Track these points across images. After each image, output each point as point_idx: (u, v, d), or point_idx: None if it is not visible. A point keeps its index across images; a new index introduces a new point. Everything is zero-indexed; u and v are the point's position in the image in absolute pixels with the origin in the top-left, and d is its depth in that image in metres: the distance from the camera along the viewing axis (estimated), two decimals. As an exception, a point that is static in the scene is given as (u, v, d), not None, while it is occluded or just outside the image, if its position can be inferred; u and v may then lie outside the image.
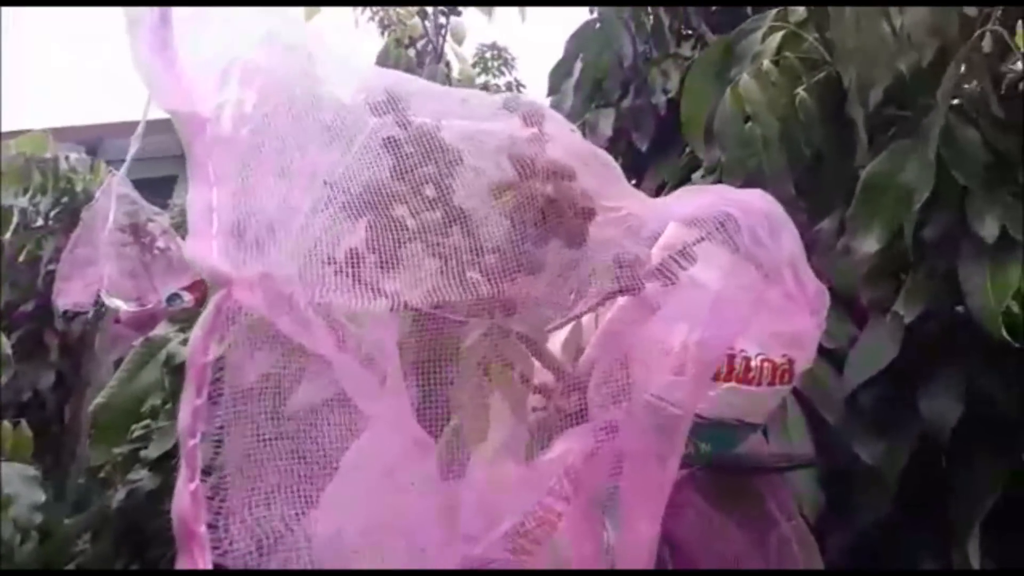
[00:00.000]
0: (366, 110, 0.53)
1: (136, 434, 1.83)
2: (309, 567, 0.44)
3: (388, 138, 0.53)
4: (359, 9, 2.54)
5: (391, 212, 0.50)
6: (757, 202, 0.58)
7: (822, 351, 0.97)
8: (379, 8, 2.59)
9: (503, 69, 3.18)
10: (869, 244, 0.89)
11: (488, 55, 3.18)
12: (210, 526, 0.39)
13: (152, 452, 1.77)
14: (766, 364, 0.65)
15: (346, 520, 0.48)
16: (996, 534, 0.87)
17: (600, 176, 0.54)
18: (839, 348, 0.97)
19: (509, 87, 3.22)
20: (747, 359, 0.65)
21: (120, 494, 1.78)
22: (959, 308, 0.90)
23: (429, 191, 0.52)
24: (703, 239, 0.54)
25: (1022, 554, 0.87)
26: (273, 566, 0.42)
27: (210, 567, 0.38)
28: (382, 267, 0.50)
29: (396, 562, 0.48)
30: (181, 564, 0.38)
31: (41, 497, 1.82)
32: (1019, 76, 1.03)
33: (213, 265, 0.40)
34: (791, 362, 0.66)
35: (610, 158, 0.57)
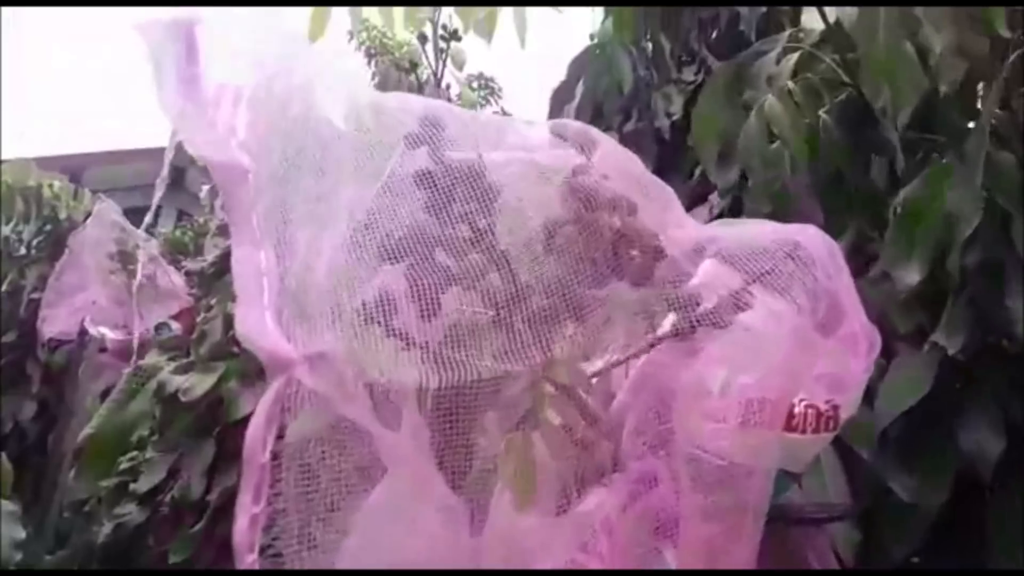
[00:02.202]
0: (396, 141, 0.49)
1: (124, 466, 1.77)
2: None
3: (422, 172, 0.49)
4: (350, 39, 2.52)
5: (430, 256, 0.46)
6: (817, 234, 0.55)
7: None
8: (365, 38, 2.57)
9: (489, 99, 3.14)
10: (911, 275, 0.86)
11: (475, 84, 3.14)
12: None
13: (141, 485, 1.72)
14: (810, 410, 0.61)
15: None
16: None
17: (659, 204, 0.51)
18: (869, 381, 0.93)
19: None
20: (790, 404, 0.61)
21: (106, 528, 1.72)
22: (995, 337, 0.87)
23: (467, 231, 0.48)
24: (769, 271, 0.50)
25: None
26: None
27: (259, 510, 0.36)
28: (421, 317, 0.46)
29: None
30: (241, 500, 0.36)
31: (21, 534, 1.76)
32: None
33: (271, 349, 0.37)
34: (835, 408, 0.62)
35: (664, 184, 0.53)
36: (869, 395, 0.93)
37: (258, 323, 0.37)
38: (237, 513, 0.35)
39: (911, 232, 0.87)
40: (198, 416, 1.64)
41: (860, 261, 1.01)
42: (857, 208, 1.03)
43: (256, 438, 0.35)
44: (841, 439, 0.90)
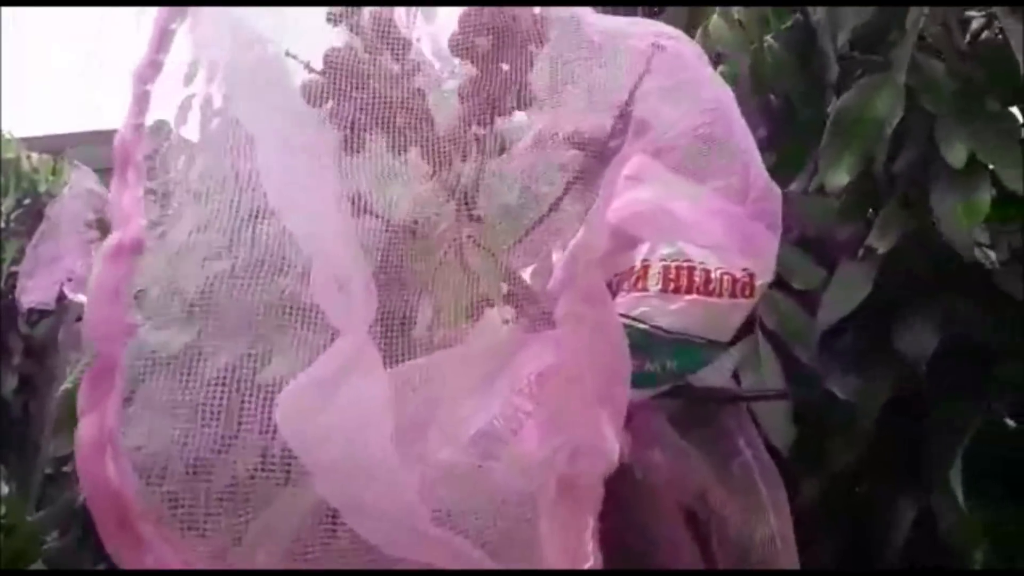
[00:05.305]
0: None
1: (105, 422, 1.78)
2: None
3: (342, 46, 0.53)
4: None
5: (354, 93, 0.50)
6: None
7: (793, 293, 0.97)
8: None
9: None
10: (840, 177, 0.89)
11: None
12: (147, 157, 0.40)
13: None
14: (726, 277, 0.65)
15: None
16: (975, 467, 0.87)
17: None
18: (811, 292, 0.97)
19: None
20: (707, 271, 0.65)
21: (87, 486, 1.73)
22: (931, 240, 0.90)
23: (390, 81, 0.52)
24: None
25: (999, 486, 0.87)
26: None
27: (141, 193, 0.38)
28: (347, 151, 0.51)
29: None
30: (114, 184, 0.39)
31: (3, 490, 1.78)
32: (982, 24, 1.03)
33: None
34: (751, 275, 0.66)
35: None
36: (812, 305, 0.96)
37: None
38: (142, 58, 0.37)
39: (842, 138, 0.90)
40: (176, 370, 1.65)
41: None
42: (810, 136, 1.05)
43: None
44: (784, 345, 0.94)
